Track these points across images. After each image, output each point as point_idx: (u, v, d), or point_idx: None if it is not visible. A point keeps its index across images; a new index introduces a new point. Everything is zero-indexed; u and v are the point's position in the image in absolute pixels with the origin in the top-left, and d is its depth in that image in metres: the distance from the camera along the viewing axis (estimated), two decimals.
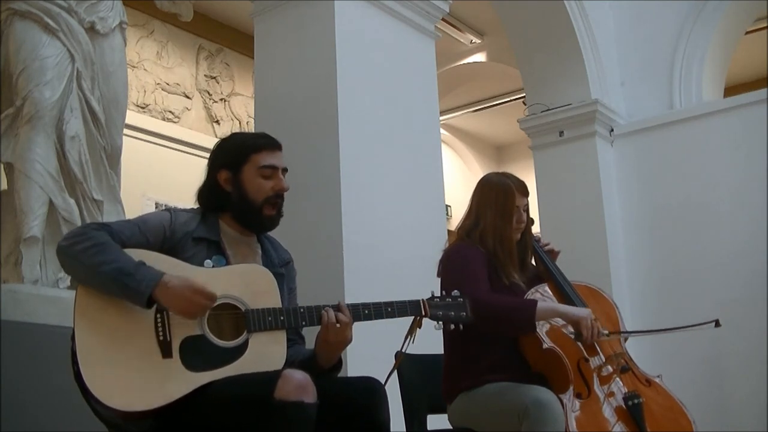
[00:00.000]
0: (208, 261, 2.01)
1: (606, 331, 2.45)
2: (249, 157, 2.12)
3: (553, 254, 2.76)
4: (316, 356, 2.07)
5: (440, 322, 2.08)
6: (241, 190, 2.10)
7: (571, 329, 2.48)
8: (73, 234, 1.94)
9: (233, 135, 2.29)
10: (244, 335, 1.92)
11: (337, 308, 2.01)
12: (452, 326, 2.09)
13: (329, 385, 1.88)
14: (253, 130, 3.33)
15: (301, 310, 1.99)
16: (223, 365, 1.87)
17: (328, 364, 2.08)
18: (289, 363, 2.02)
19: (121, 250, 1.90)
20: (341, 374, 2.17)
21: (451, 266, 2.58)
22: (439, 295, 2.13)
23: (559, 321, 2.52)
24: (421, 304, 2.08)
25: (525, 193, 2.66)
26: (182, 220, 2.06)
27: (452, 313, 2.09)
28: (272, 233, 2.24)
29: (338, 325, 1.98)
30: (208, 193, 2.16)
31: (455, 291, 2.13)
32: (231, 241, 2.11)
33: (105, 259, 1.86)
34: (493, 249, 2.59)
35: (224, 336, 1.92)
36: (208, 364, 1.86)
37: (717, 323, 2.47)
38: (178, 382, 1.83)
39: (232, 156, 2.13)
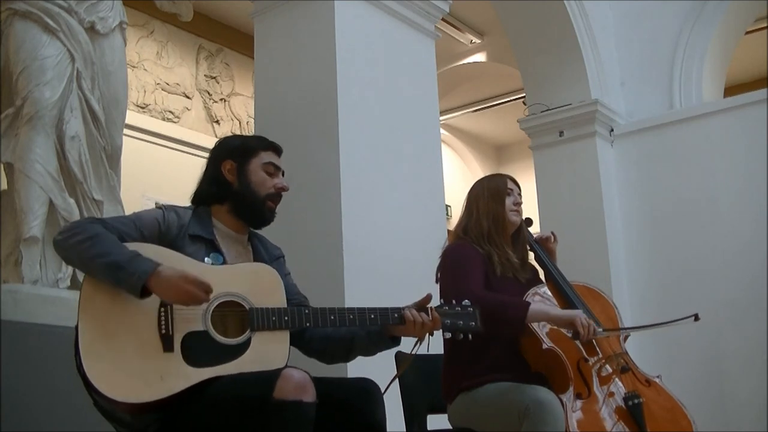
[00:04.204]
0: (207, 259, 2.03)
1: (602, 328, 2.47)
2: (257, 152, 2.17)
3: (549, 244, 2.76)
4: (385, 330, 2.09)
5: (448, 332, 2.08)
6: (245, 181, 2.13)
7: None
8: (68, 228, 1.97)
9: (236, 135, 2.39)
10: (247, 333, 1.93)
11: (421, 309, 2.05)
12: (461, 336, 2.08)
13: (325, 386, 1.88)
14: (253, 130, 3.33)
15: (306, 311, 2.00)
16: (224, 362, 1.87)
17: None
18: (349, 339, 2.11)
19: (115, 241, 1.91)
20: (339, 375, 2.17)
21: (446, 265, 2.59)
22: (445, 303, 2.11)
23: None
24: (429, 313, 2.06)
25: (515, 181, 2.73)
26: (174, 215, 2.07)
27: (461, 322, 2.08)
28: (265, 231, 2.24)
29: (423, 325, 2.03)
30: (208, 184, 2.18)
31: (465, 300, 2.12)
32: (224, 239, 2.12)
33: (98, 252, 1.87)
34: (488, 230, 2.61)
35: (228, 333, 1.93)
36: (208, 361, 1.86)
37: (696, 317, 2.47)
38: (178, 376, 1.83)
39: (239, 149, 2.18)
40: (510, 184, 2.69)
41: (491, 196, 2.67)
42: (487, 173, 3.04)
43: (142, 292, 1.85)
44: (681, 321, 2.54)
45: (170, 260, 1.93)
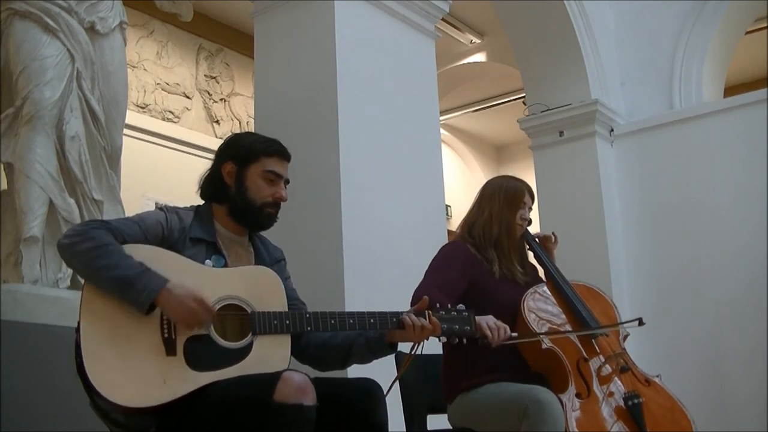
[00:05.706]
0: (208, 261, 2.03)
1: (515, 333, 2.37)
2: (259, 158, 2.13)
3: (548, 242, 2.76)
4: (385, 336, 2.09)
5: (444, 337, 2.07)
6: (242, 187, 2.12)
7: (565, 328, 2.49)
8: (74, 232, 1.94)
9: (249, 133, 2.34)
10: (249, 337, 1.93)
11: (419, 314, 2.04)
12: (456, 340, 2.08)
13: (327, 386, 1.88)
14: (253, 130, 3.33)
15: (307, 315, 1.99)
16: (227, 366, 1.88)
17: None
18: (346, 346, 2.08)
19: (123, 253, 1.90)
20: (340, 375, 2.17)
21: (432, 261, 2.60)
22: (440, 307, 2.11)
23: (557, 320, 2.52)
24: (426, 317, 2.06)
25: (532, 194, 2.71)
26: (176, 218, 2.07)
27: (456, 326, 2.08)
28: (267, 232, 2.24)
29: (423, 329, 2.03)
30: (208, 183, 2.18)
31: (460, 305, 2.12)
32: (225, 242, 2.12)
33: (106, 264, 1.86)
34: (498, 236, 2.60)
35: (229, 337, 1.93)
36: (211, 364, 1.87)
37: (641, 322, 2.45)
38: (181, 380, 1.83)
39: (242, 152, 2.15)
40: (526, 198, 2.66)
41: (507, 201, 2.64)
42: (488, 173, 3.03)
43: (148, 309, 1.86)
44: (626, 324, 2.55)
45: (171, 263, 1.93)
